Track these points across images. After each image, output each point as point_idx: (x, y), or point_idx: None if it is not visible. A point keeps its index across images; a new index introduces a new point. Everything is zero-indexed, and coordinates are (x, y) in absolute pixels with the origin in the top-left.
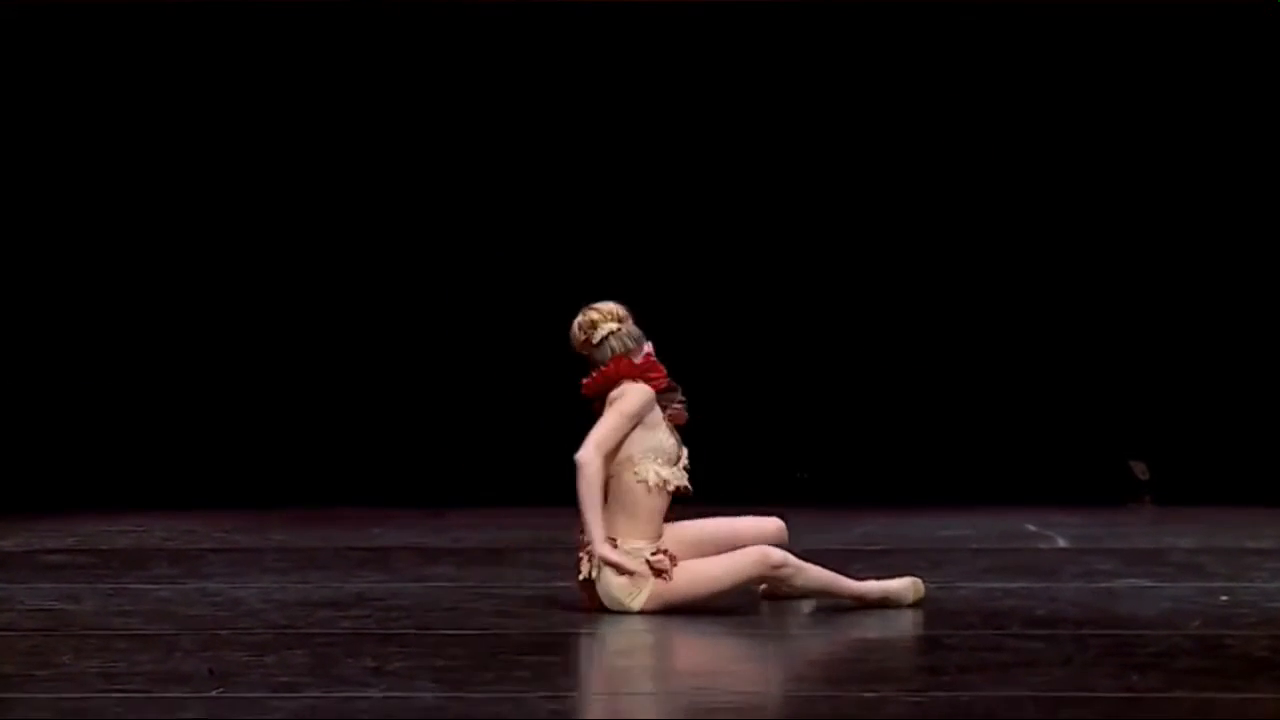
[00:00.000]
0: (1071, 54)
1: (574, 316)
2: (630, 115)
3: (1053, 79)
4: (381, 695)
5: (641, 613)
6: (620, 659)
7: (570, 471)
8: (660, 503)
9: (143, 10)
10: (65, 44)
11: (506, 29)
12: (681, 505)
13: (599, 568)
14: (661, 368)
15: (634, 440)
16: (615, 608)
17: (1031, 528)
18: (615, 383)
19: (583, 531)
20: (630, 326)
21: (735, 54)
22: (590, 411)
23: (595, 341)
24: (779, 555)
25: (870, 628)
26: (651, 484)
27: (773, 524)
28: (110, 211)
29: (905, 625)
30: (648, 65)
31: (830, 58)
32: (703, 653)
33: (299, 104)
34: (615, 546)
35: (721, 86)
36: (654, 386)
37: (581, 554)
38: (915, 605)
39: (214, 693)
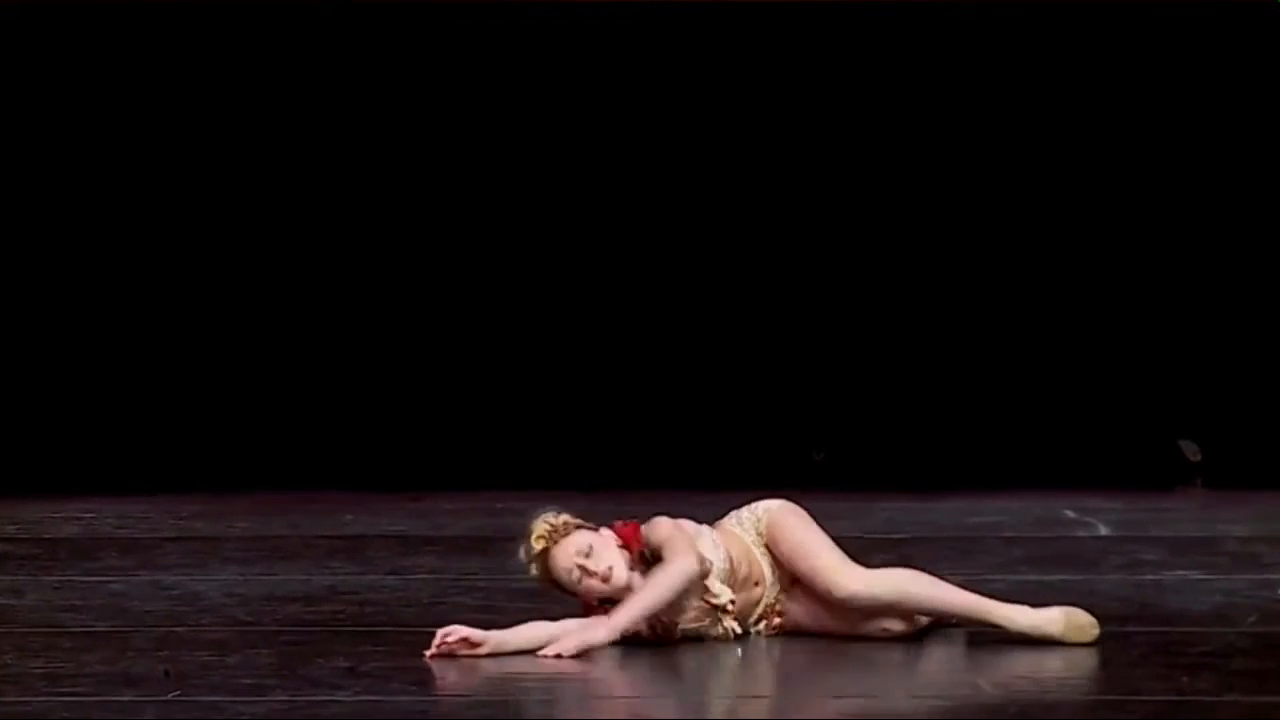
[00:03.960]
0: (1099, 36)
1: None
2: (640, 97)
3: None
4: (354, 699)
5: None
6: (617, 663)
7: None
8: None
9: (143, 10)
10: (65, 44)
11: (505, 28)
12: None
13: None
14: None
15: None
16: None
17: (1070, 514)
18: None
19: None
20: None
21: (747, 47)
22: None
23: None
24: None
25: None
26: None
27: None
28: (64, 189)
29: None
30: (652, 61)
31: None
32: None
33: (279, 94)
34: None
35: (734, 73)
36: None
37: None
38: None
39: (171, 696)
